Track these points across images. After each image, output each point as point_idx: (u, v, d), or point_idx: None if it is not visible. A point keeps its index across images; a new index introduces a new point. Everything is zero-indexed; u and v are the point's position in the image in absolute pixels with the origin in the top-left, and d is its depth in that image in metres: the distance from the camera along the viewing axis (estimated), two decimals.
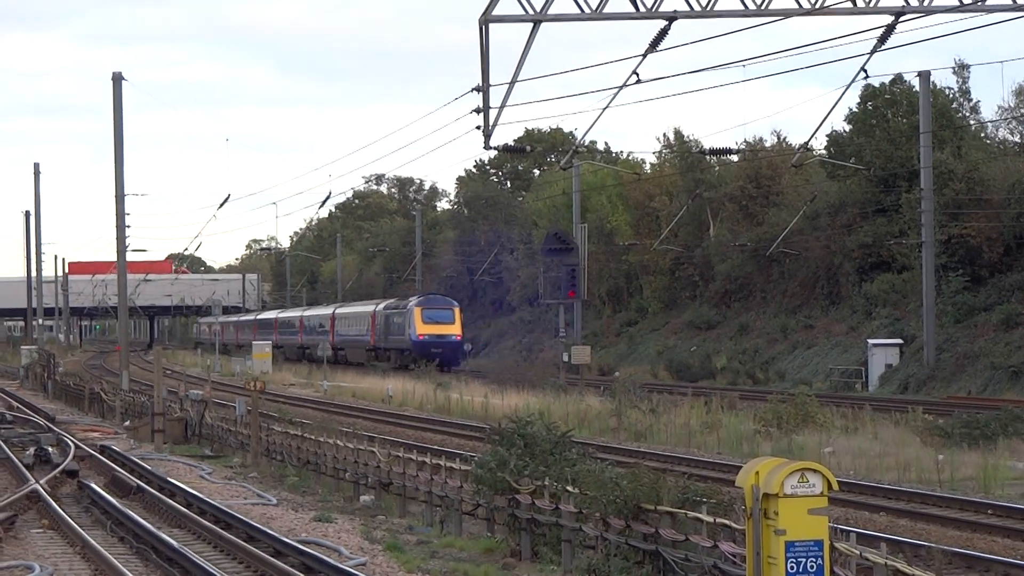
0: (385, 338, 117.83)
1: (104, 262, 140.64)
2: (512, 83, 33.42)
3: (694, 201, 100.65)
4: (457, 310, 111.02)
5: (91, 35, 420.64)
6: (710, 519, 22.98)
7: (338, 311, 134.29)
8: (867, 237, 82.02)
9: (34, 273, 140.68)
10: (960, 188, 74.16)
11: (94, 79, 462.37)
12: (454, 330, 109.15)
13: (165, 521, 33.58)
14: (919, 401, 58.11)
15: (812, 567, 18.58)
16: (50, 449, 46.94)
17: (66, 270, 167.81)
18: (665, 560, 23.79)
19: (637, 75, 33.05)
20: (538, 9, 30.66)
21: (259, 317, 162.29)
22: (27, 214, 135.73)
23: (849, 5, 30.48)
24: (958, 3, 30.95)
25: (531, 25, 31.10)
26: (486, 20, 31.02)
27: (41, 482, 38.08)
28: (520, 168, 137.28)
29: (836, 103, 59.77)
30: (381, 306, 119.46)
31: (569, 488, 27.59)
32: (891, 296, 79.89)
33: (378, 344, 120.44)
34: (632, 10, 31.64)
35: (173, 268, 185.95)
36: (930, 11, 30.95)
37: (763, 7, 31.04)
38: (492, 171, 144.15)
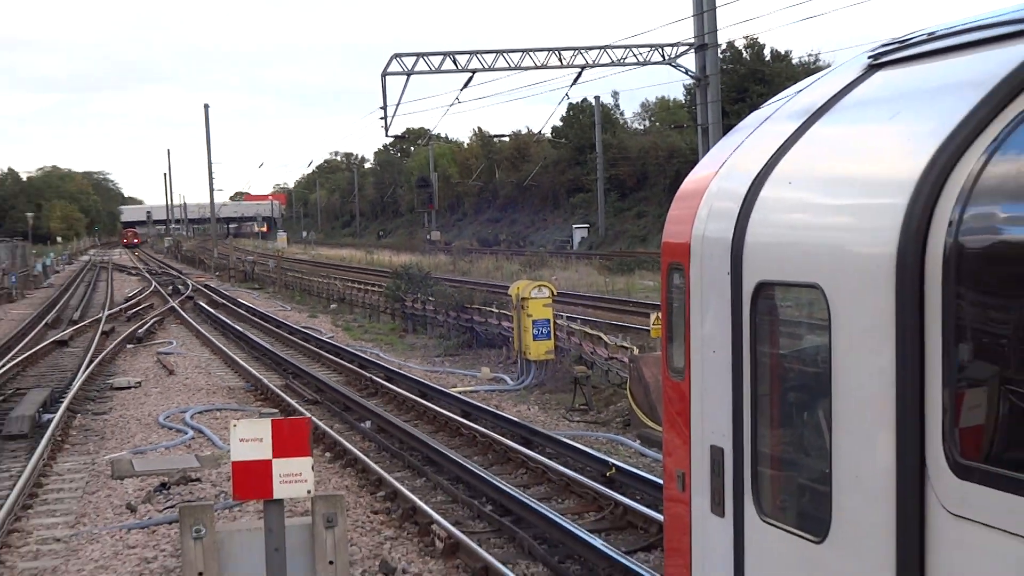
0: None
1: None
2: (397, 104, 46.15)
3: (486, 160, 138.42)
4: None
5: None
6: (495, 311, 34.52)
7: None
8: (572, 176, 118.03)
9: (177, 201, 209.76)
10: (615, 152, 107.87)
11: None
12: None
13: (233, 318, 49.89)
14: (597, 254, 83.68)
15: (545, 332, 28.31)
16: (179, 286, 72.55)
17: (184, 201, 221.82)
18: (475, 331, 35.98)
19: (459, 100, 46.03)
20: (409, 67, 43.21)
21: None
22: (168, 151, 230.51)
23: (557, 63, 43.27)
24: (611, 62, 42.98)
25: (406, 77, 44.33)
26: (383, 74, 43.81)
27: (174, 303, 58.30)
28: (404, 146, 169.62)
29: (555, 110, 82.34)
30: None
31: (430, 297, 41.03)
32: (583, 204, 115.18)
33: None
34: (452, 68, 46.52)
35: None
36: (596, 66, 44.14)
37: (520, 65, 43.34)
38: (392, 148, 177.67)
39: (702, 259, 6.50)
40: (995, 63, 4.83)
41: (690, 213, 6.75)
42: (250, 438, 8.08)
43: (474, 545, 14.59)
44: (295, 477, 8.11)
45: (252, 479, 8.10)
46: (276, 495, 8.15)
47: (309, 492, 8.45)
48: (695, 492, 6.66)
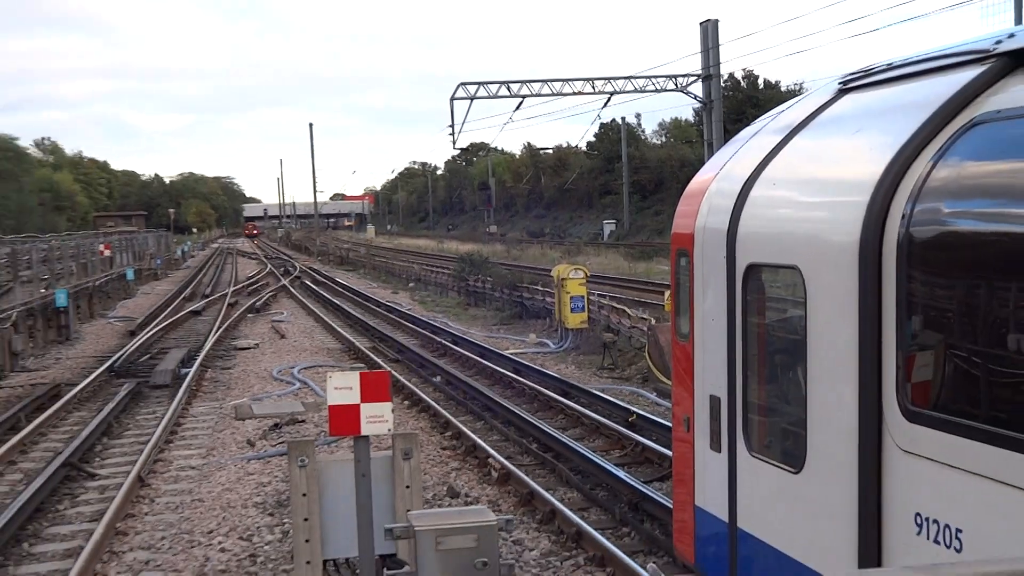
0: None
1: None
2: (462, 123, 46.87)
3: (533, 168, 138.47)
4: None
5: None
6: (540, 288, 34.75)
7: None
8: (603, 181, 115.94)
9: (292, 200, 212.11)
10: (638, 162, 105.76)
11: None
12: None
13: (331, 294, 49.75)
14: (623, 244, 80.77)
15: (580, 305, 28.49)
16: (289, 268, 71.32)
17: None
18: (524, 305, 35.93)
19: (512, 119, 46.30)
20: (472, 93, 42.75)
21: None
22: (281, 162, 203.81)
23: (591, 90, 42.92)
24: (634, 89, 42.82)
25: (470, 101, 43.82)
26: (452, 99, 43.67)
27: (285, 281, 57.77)
28: (468, 157, 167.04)
29: (589, 128, 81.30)
30: None
31: (488, 277, 41.19)
32: (611, 204, 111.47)
33: None
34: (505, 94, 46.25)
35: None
36: (622, 92, 43.81)
37: (561, 91, 43.28)
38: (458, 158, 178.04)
39: (704, 246, 6.54)
40: (940, 88, 4.83)
41: (694, 209, 6.77)
42: (343, 387, 8.14)
43: (522, 475, 14.67)
44: (378, 418, 8.16)
45: (344, 420, 8.16)
46: (363, 432, 8.20)
47: (389, 430, 8.49)
48: (698, 433, 6.68)
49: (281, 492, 14.53)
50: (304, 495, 9.70)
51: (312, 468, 9.71)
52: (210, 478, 15.97)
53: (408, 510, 8.18)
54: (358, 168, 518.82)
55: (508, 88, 43.52)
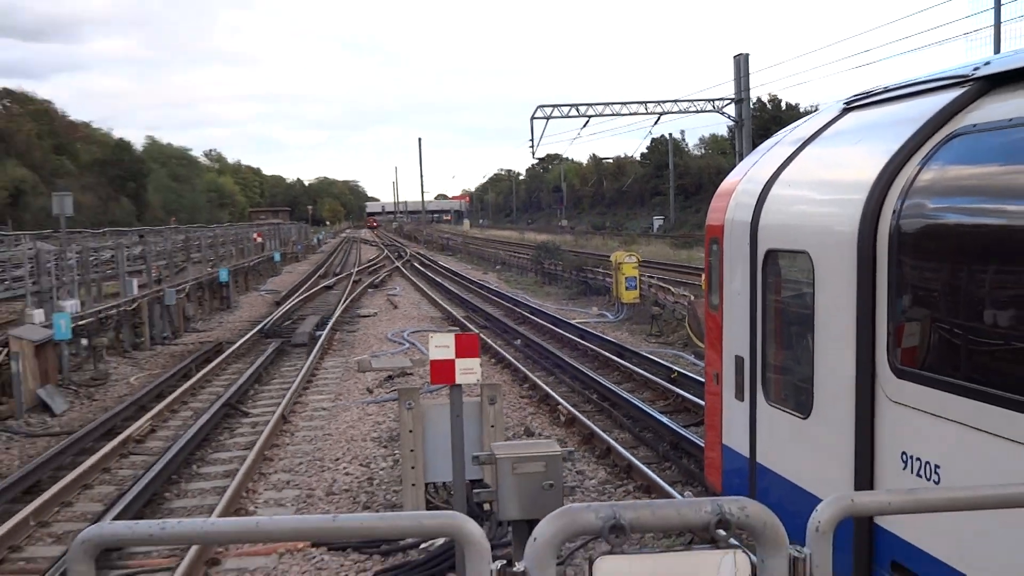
0: None
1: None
2: (540, 137, 45.68)
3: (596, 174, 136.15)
4: None
5: None
6: (601, 270, 34.35)
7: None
8: (653, 185, 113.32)
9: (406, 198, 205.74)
10: (682, 169, 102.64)
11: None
12: None
13: (434, 273, 49.31)
14: (669, 235, 79.17)
15: (633, 284, 28.53)
16: (402, 253, 68.51)
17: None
18: (588, 284, 35.74)
19: (580, 135, 47.28)
20: (548, 113, 42.50)
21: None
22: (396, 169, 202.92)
23: (644, 111, 42.40)
24: (679, 110, 42.46)
25: (546, 120, 43.49)
26: (532, 118, 43.38)
27: (398, 264, 56.92)
28: (544, 165, 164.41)
29: (642, 142, 79.55)
30: None
31: (559, 261, 40.79)
32: (660, 203, 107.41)
33: None
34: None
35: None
36: (669, 113, 43.27)
37: (620, 112, 42.80)
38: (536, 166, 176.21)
39: (731, 235, 6.50)
40: (927, 107, 4.76)
41: (724, 205, 6.72)
42: (442, 346, 8.21)
43: (584, 419, 14.68)
44: (469, 371, 8.22)
45: (443, 372, 8.23)
46: (457, 382, 8.26)
47: (478, 381, 8.55)
48: (725, 386, 6.65)
49: (392, 429, 14.69)
50: (411, 431, 9.84)
51: (417, 410, 9.84)
52: (337, 417, 16.18)
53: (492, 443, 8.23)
54: (456, 173, 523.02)
55: (576, 109, 43.27)
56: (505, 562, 2.44)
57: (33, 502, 11.22)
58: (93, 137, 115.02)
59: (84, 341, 21.03)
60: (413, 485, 9.85)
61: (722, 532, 2.43)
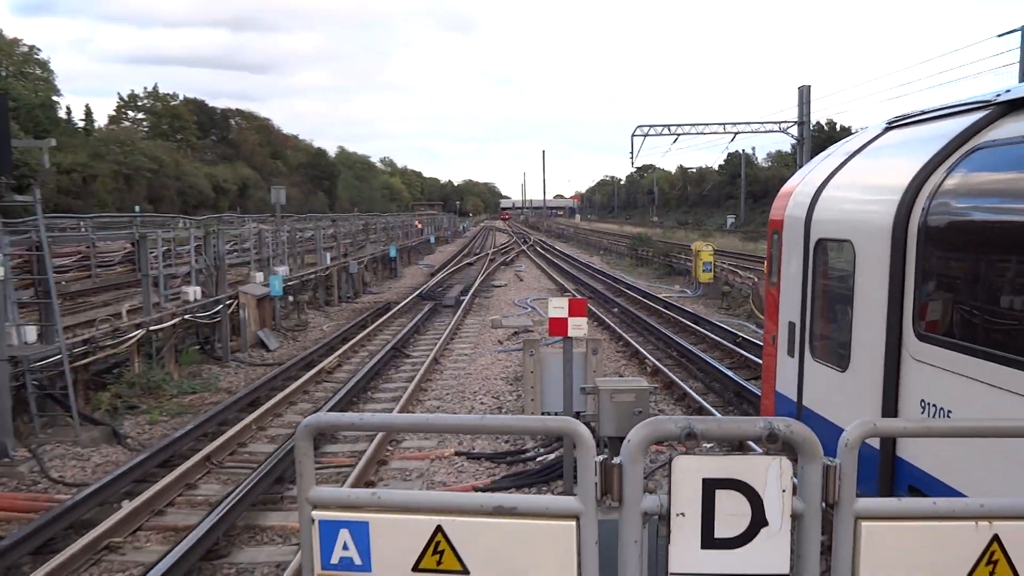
0: None
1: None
2: (638, 151, 46.26)
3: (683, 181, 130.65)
4: None
5: None
6: (683, 256, 33.72)
7: None
8: (728, 191, 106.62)
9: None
10: (752, 178, 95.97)
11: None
12: None
13: (551, 255, 48.18)
14: (740, 231, 74.67)
15: (708, 267, 28.14)
16: (527, 239, 68.06)
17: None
18: (673, 266, 35.21)
19: (670, 149, 45.83)
20: (645, 132, 41.34)
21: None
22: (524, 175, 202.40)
23: (722, 131, 41.12)
24: (751, 130, 42.44)
25: (643, 137, 42.18)
26: (632, 136, 41.98)
27: (523, 247, 56.63)
28: (641, 173, 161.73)
29: (720, 155, 76.65)
30: None
31: (650, 248, 40.42)
32: (733, 205, 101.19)
33: None
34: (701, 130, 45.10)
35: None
36: (742, 132, 42.04)
37: (703, 131, 41.44)
38: (635, 173, 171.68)
39: (789, 227, 6.41)
40: (955, 126, 4.62)
41: (784, 203, 6.62)
42: (558, 307, 8.30)
43: (665, 370, 14.58)
44: (578, 327, 8.29)
45: (558, 327, 8.32)
46: (569, 335, 8.36)
47: (584, 335, 8.63)
48: (780, 345, 6.58)
49: (517, 372, 14.86)
50: (531, 372, 9.99)
51: (537, 356, 9.98)
52: (475, 361, 16.40)
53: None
54: (571, 178, 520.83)
55: (668, 129, 42.36)
56: (606, 456, 2.56)
57: (254, 412, 11.87)
58: (299, 146, 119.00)
59: (291, 297, 21.87)
60: (532, 413, 10.03)
61: (771, 444, 2.50)
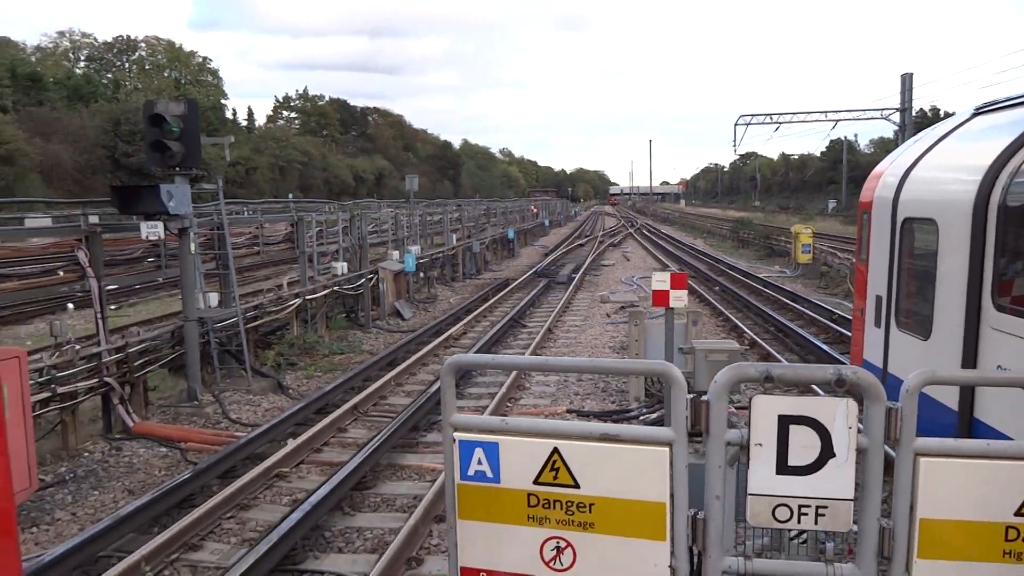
0: None
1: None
2: (741, 138, 44.73)
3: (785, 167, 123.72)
4: None
5: None
6: (783, 238, 31.91)
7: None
8: (829, 176, 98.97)
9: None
10: (853, 164, 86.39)
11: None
12: None
13: (656, 236, 47.62)
14: (840, 215, 67.85)
15: (807, 249, 27.29)
16: (635, 222, 66.80)
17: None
18: (773, 248, 33.55)
19: (772, 136, 44.38)
20: (747, 121, 39.76)
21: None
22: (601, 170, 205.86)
23: (824, 119, 39.17)
24: (853, 118, 38.98)
25: (746, 126, 40.63)
26: (735, 124, 40.60)
27: (630, 230, 55.65)
28: (744, 161, 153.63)
29: (823, 142, 73.26)
30: None
31: (751, 231, 38.92)
32: (834, 189, 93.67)
33: None
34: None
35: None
36: (844, 120, 39.77)
37: (805, 120, 39.65)
38: (738, 160, 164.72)
39: (878, 207, 6.34)
40: None
41: (874, 185, 6.55)
42: (661, 280, 8.43)
43: (762, 343, 14.38)
44: (679, 299, 8.38)
45: (660, 299, 8.42)
46: (671, 306, 8.48)
47: (685, 306, 8.72)
48: (868, 317, 6.54)
49: (623, 342, 14.92)
50: (636, 340, 10.20)
51: (642, 327, 10.17)
52: (585, 331, 16.50)
53: None
54: (676, 165, 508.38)
55: (770, 117, 40.97)
56: (696, 395, 2.81)
57: (392, 370, 12.49)
58: (427, 139, 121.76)
59: (422, 273, 22.54)
60: (636, 377, 10.22)
61: (839, 387, 2.68)
